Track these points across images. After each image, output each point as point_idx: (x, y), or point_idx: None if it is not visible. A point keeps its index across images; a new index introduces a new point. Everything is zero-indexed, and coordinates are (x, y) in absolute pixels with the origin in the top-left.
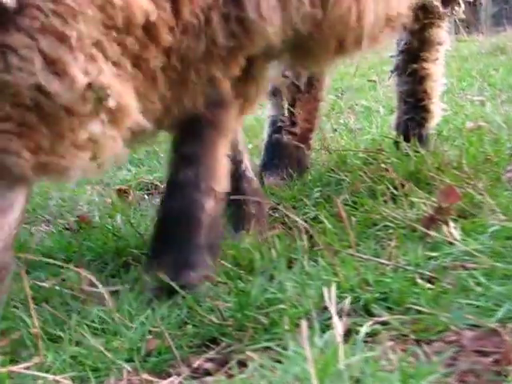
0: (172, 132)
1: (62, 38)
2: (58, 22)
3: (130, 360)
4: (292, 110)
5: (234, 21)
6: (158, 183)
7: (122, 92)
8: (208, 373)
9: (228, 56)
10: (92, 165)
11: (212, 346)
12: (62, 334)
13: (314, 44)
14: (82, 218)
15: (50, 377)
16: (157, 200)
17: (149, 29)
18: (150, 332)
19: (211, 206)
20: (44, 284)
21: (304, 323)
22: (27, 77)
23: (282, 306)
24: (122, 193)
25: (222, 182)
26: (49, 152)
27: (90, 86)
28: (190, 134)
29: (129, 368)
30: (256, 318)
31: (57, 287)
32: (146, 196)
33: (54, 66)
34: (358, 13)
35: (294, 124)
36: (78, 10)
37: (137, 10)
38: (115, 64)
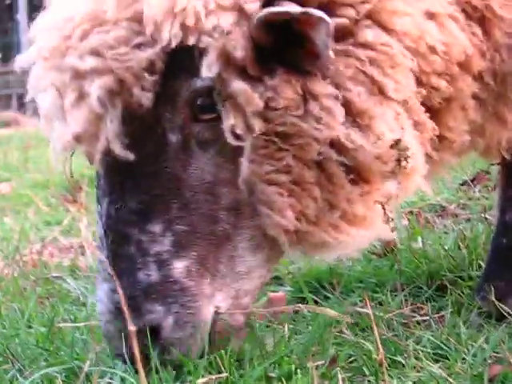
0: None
1: (375, 89)
2: (375, 72)
3: None
4: None
5: None
6: (446, 204)
7: (417, 153)
8: None
9: None
10: (357, 240)
11: None
12: (401, 360)
13: None
14: (387, 243)
15: None
16: (448, 222)
17: (463, 63)
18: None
19: None
20: (365, 310)
21: None
22: (324, 129)
23: None
24: (414, 215)
25: None
26: (311, 221)
27: (394, 144)
28: None
29: None
30: None
31: (377, 313)
32: (435, 218)
33: (359, 119)
34: None
35: None
36: (398, 60)
37: (456, 49)
38: (416, 123)
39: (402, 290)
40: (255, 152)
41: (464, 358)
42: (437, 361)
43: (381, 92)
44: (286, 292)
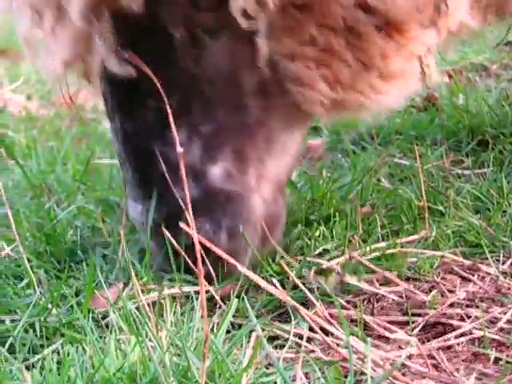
0: None
1: None
2: None
3: None
4: None
5: None
6: (488, 64)
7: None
8: None
9: None
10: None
11: None
12: (442, 209)
13: None
14: (429, 97)
15: (438, 253)
16: (490, 82)
17: None
18: None
19: None
20: (404, 161)
21: None
22: None
23: None
24: (454, 73)
25: None
26: (347, 87)
27: None
28: None
29: None
30: None
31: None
32: (477, 78)
33: None
34: None
35: None
36: None
37: None
38: None
39: (442, 144)
40: (273, 29)
41: (505, 211)
42: (477, 212)
43: None
44: (324, 141)
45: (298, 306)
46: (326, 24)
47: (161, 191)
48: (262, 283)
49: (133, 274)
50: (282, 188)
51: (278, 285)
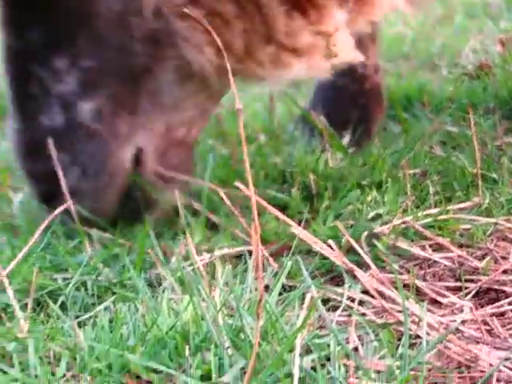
0: None
1: None
2: None
3: None
4: None
5: None
6: None
7: None
8: None
9: None
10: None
11: None
12: (495, 176)
13: None
14: (482, 65)
15: (491, 220)
16: None
17: None
18: None
19: None
20: (456, 129)
21: None
22: None
23: None
24: (506, 42)
25: None
26: (242, 56)
27: None
28: None
29: None
30: None
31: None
32: None
33: None
34: None
35: None
36: None
37: None
38: None
39: (495, 113)
40: None
41: None
42: None
43: None
44: None
45: (354, 267)
46: None
47: (31, 115)
48: (317, 245)
49: (187, 233)
50: (180, 145)
51: (334, 246)
